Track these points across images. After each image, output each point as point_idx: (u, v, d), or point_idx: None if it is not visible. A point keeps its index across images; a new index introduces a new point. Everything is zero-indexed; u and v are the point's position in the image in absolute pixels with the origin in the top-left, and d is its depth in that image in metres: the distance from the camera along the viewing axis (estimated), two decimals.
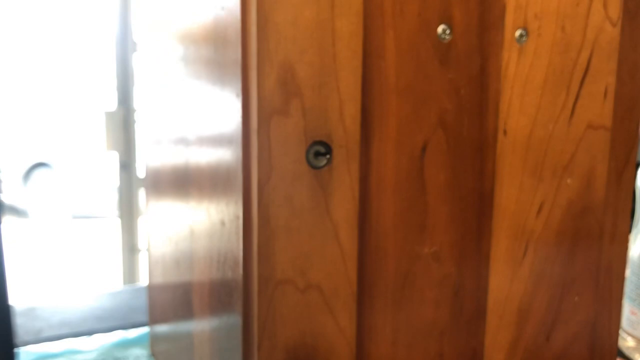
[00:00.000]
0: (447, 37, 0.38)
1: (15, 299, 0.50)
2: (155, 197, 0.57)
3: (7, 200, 4.08)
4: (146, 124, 0.59)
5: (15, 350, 0.46)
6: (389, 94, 0.37)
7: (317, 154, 0.35)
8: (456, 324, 0.42)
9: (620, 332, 0.60)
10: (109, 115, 2.07)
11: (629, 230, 0.48)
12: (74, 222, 3.96)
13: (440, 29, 0.38)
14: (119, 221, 2.18)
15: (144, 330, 0.70)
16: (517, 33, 0.40)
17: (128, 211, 2.15)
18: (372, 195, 0.37)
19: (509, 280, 0.43)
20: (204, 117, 0.42)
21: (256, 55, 0.33)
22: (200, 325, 0.46)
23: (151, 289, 0.61)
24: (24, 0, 4.60)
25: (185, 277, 0.48)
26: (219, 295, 0.41)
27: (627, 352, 0.61)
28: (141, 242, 2.17)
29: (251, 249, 0.36)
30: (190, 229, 0.46)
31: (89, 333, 0.70)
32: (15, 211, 4.03)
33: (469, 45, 0.39)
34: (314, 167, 0.35)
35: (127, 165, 2.10)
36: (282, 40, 0.34)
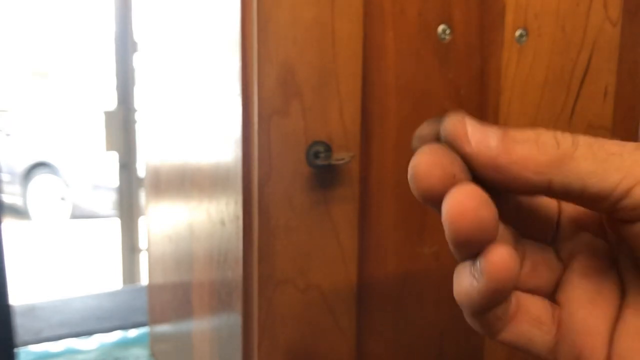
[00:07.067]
0: (447, 37, 0.38)
1: (15, 299, 0.50)
2: (155, 197, 0.57)
3: (7, 200, 4.08)
4: (146, 123, 0.59)
5: (15, 350, 0.46)
6: (389, 94, 0.37)
7: (317, 154, 0.35)
8: (456, 324, 0.42)
9: None
10: (109, 115, 2.07)
11: None
12: (74, 222, 3.96)
13: (440, 29, 0.38)
14: (119, 221, 2.18)
15: (144, 330, 0.70)
16: (517, 33, 0.40)
17: (128, 211, 2.14)
18: (372, 195, 0.37)
19: None
20: (203, 117, 0.42)
21: (256, 55, 0.33)
22: (200, 325, 0.46)
23: (151, 289, 0.61)
24: (25, 1, 4.61)
25: (185, 277, 0.48)
26: (219, 295, 0.41)
27: None
28: (141, 242, 2.17)
29: (251, 249, 0.36)
30: (190, 228, 0.46)
31: (89, 333, 0.70)
32: (15, 211, 4.03)
33: (469, 45, 0.39)
34: (314, 167, 0.35)
35: (127, 165, 2.10)
36: (282, 40, 0.34)
